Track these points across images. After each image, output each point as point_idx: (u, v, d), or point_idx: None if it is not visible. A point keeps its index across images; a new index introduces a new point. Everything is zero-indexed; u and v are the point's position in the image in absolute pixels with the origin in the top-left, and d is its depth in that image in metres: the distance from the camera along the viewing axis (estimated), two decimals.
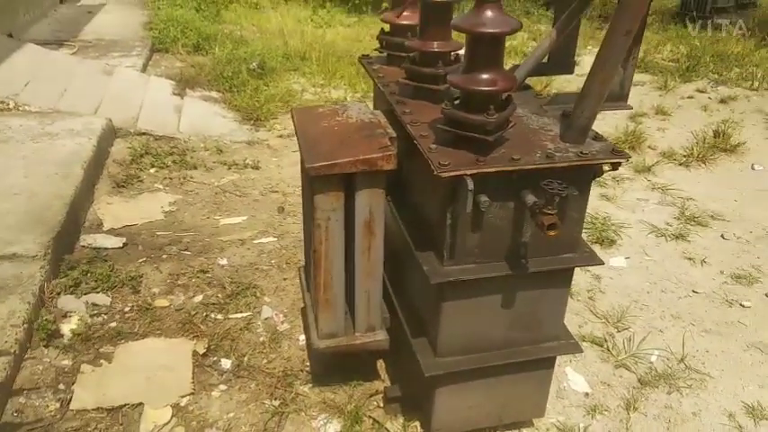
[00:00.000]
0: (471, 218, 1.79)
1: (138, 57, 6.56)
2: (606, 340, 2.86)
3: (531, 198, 1.73)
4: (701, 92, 6.49)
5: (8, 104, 4.55)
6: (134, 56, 6.60)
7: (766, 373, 2.71)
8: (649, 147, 5.02)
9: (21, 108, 4.58)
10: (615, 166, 1.80)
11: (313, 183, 2.02)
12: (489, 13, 1.62)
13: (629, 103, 2.23)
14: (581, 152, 1.76)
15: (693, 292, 3.23)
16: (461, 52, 2.12)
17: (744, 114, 5.84)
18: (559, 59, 2.38)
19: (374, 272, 2.22)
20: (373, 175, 2.02)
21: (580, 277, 3.33)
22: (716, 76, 6.94)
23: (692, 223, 3.89)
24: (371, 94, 6.30)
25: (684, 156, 4.82)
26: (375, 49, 2.62)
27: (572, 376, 2.65)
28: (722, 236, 3.76)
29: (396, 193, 2.36)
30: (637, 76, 6.93)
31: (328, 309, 2.26)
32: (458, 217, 1.79)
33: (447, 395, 2.14)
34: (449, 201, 1.78)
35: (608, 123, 5.42)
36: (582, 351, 2.15)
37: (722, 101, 6.21)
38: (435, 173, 1.66)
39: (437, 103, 2.12)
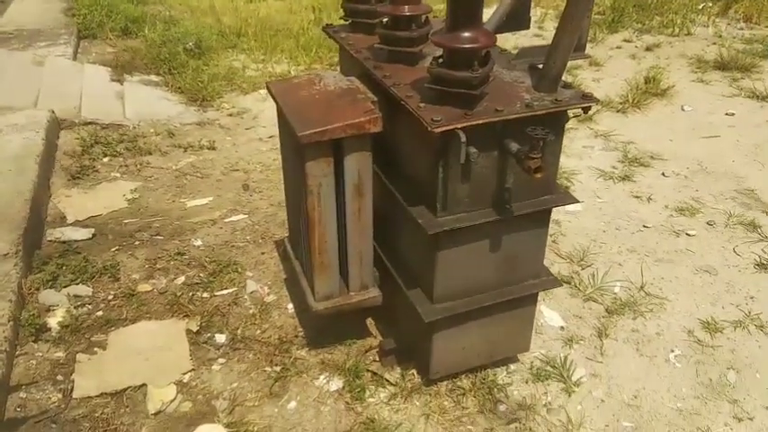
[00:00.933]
0: (461, 170, 1.92)
1: (67, 45, 6.28)
2: (573, 278, 3.09)
3: (514, 146, 1.88)
4: (628, 41, 6.84)
5: None
6: (62, 44, 6.30)
7: (716, 292, 3.02)
8: None
9: None
10: (585, 110, 1.97)
11: (304, 150, 2.09)
12: None
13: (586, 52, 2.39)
14: (556, 99, 1.91)
15: (644, 226, 3.52)
16: (430, 15, 2.24)
17: (669, 60, 6.22)
18: (516, 16, 2.52)
19: (365, 232, 2.33)
20: (361, 139, 2.12)
21: None
22: (639, 25, 7.32)
23: (635, 165, 4.18)
24: (316, 67, 6.29)
25: (621, 103, 5.12)
26: (340, 17, 2.68)
27: (547, 313, 2.86)
28: (663, 174, 4.07)
29: (379, 157, 2.46)
30: None
31: (324, 271, 2.35)
32: (449, 170, 1.91)
33: (443, 339, 2.29)
34: (441, 155, 1.90)
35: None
36: (562, 285, 2.35)
37: (648, 48, 6.58)
38: (429, 129, 1.77)
39: (413, 64, 2.23)
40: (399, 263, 2.40)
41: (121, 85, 5.54)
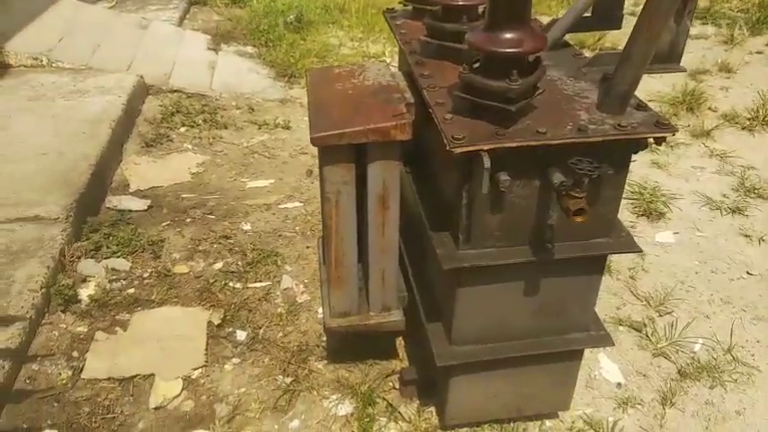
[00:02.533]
0: (490, 198, 1.60)
1: (176, 10, 6.44)
2: (646, 325, 2.64)
3: (558, 177, 1.52)
4: None
5: (41, 61, 4.52)
6: (171, 9, 6.48)
7: None
8: (710, 108, 4.60)
9: (54, 65, 4.54)
10: (658, 141, 1.56)
11: (322, 153, 1.86)
12: None
13: (682, 64, 1.95)
14: (619, 124, 1.52)
15: (748, 273, 2.95)
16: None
17: None
18: (604, 12, 2.10)
19: (389, 249, 2.06)
20: (387, 146, 1.84)
21: (622, 254, 3.08)
22: None
23: (752, 195, 3.55)
24: None
25: (748, 119, 4.40)
26: (400, 2, 2.39)
27: (605, 364, 2.46)
28: None
29: (415, 164, 2.18)
30: (700, 29, 6.39)
31: (340, 286, 2.12)
32: (474, 197, 1.60)
33: (462, 385, 1.99)
34: (465, 178, 1.59)
35: (664, 82, 4.99)
36: (613, 344, 1.95)
37: None
38: (448, 148, 1.47)
39: (460, 63, 1.89)
40: (425, 288, 2.12)
41: (216, 54, 5.58)
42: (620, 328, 2.63)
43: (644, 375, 2.42)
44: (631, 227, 3.29)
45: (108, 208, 3.38)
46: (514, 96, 1.47)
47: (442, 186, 1.86)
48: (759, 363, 2.47)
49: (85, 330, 2.57)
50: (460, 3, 1.86)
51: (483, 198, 1.59)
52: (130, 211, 3.36)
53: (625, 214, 3.40)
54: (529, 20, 1.49)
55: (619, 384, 2.38)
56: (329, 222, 1.99)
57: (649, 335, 2.59)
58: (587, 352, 2.45)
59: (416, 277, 2.18)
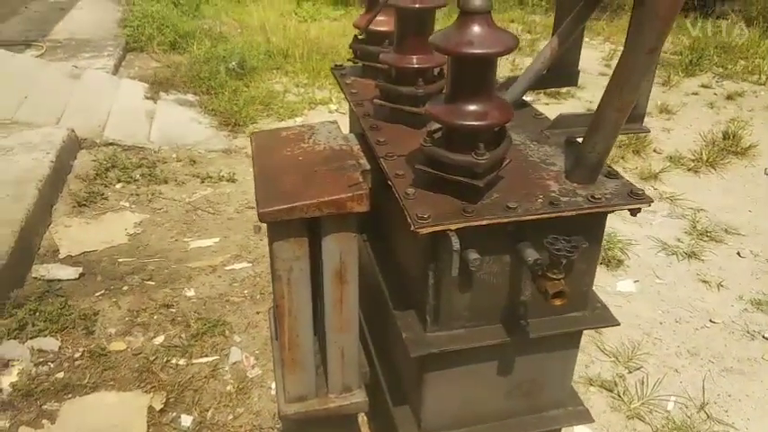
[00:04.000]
0: (459, 277, 1.46)
1: (110, 57, 6.20)
2: (617, 384, 2.54)
3: (531, 254, 1.40)
4: (707, 87, 6.15)
5: None
6: (105, 56, 6.23)
7: None
8: (654, 150, 4.69)
9: None
10: (633, 213, 1.48)
11: (271, 229, 1.69)
12: (477, 29, 1.28)
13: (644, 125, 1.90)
14: (592, 196, 1.43)
15: (711, 321, 2.92)
16: (445, 67, 1.79)
17: (753, 112, 5.51)
18: (561, 69, 2.04)
19: (348, 326, 1.89)
20: (343, 218, 1.69)
21: None
22: (721, 69, 6.59)
23: (705, 239, 3.57)
24: None
25: (693, 160, 4.50)
26: (349, 59, 2.28)
27: (579, 430, 2.33)
28: (738, 253, 3.44)
29: (372, 229, 2.03)
30: None
31: (295, 369, 1.93)
32: (442, 277, 1.46)
33: None
34: (431, 258, 1.45)
35: None
36: (593, 420, 1.82)
37: (729, 97, 5.87)
38: (412, 228, 1.33)
39: (417, 127, 1.78)
40: (389, 367, 1.95)
41: (155, 103, 5.35)
42: (591, 388, 2.53)
43: None
44: None
45: (35, 278, 3.08)
46: (481, 171, 1.35)
47: (406, 262, 1.72)
48: (734, 419, 2.40)
49: (7, 425, 2.26)
50: (415, 65, 1.75)
51: (451, 278, 1.45)
52: (60, 280, 3.07)
53: None
54: (493, 89, 1.38)
55: None
56: (281, 302, 1.81)
57: (621, 394, 2.49)
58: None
59: (378, 352, 2.01)
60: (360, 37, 2.20)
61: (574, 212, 1.40)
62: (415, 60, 1.75)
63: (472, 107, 1.34)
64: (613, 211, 1.46)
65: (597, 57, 7.03)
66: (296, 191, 1.67)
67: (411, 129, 1.77)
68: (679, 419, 2.39)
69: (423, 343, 1.53)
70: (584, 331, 2.43)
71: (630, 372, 2.61)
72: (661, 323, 2.91)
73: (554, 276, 1.32)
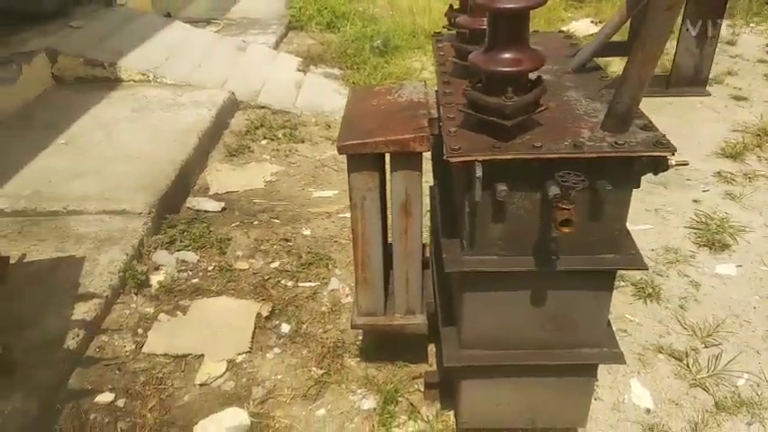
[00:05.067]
0: (491, 207, 1.69)
1: (273, 34, 6.95)
2: (688, 355, 2.56)
3: (554, 190, 1.59)
4: None
5: (148, 76, 5.07)
6: (270, 33, 7.00)
7: None
8: None
9: (158, 80, 5.08)
10: (661, 162, 1.59)
11: (349, 162, 2.03)
12: None
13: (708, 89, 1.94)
14: (616, 142, 1.58)
15: None
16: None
17: None
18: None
19: (412, 254, 2.19)
20: (408, 156, 1.99)
21: (674, 282, 3.00)
22: None
23: None
24: None
25: None
26: (444, 26, 2.54)
27: (636, 389, 2.42)
28: None
29: (443, 177, 2.30)
30: None
31: (366, 287, 2.27)
32: (475, 205, 1.70)
33: (473, 389, 2.07)
34: (466, 188, 1.69)
35: (754, 112, 4.74)
36: (625, 362, 1.95)
37: None
38: (444, 157, 1.59)
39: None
40: (444, 296, 2.22)
41: (304, 75, 5.96)
42: (660, 355, 2.58)
43: (677, 404, 2.36)
44: (690, 256, 3.19)
45: (188, 207, 3.74)
46: (509, 112, 1.57)
47: (456, 198, 1.97)
48: None
49: (152, 311, 2.88)
50: (484, 26, 1.97)
51: (483, 207, 1.68)
52: (206, 211, 3.70)
53: (686, 243, 3.30)
54: (527, 41, 1.58)
55: (648, 410, 2.34)
56: (356, 227, 2.16)
57: (690, 365, 2.51)
58: (620, 375, 2.46)
59: (440, 285, 2.28)
60: (455, 7, 2.45)
61: (594, 155, 1.56)
62: (485, 22, 1.97)
63: (505, 55, 1.56)
64: (636, 157, 1.58)
65: (760, 43, 6.45)
66: (370, 131, 1.99)
67: None
68: (746, 395, 2.37)
69: (457, 262, 1.79)
70: (666, 305, 2.55)
71: (706, 347, 2.61)
72: (754, 308, 2.82)
73: (563, 206, 1.51)
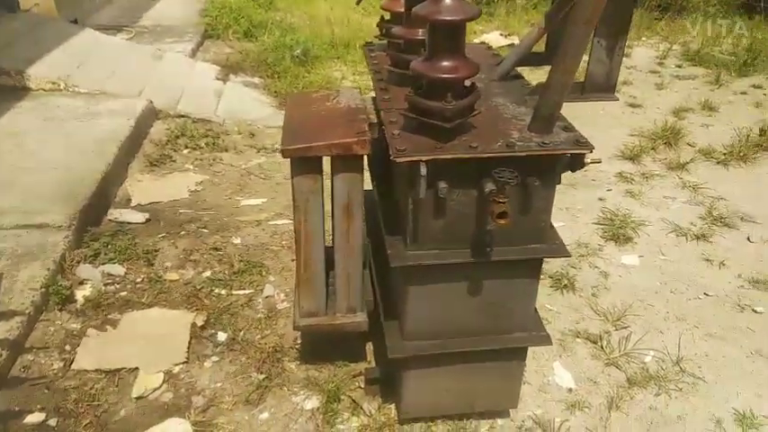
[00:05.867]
0: (432, 204, 1.81)
1: (189, 42, 6.83)
2: (601, 338, 2.81)
3: (490, 186, 1.73)
4: (757, 87, 6.14)
5: (59, 85, 4.85)
6: (186, 41, 6.87)
7: (765, 381, 2.59)
8: (688, 143, 4.82)
9: (70, 89, 4.87)
10: (579, 159, 1.78)
11: (292, 165, 2.09)
12: (447, 1, 1.63)
13: (616, 94, 2.18)
14: (542, 142, 1.74)
15: (704, 294, 3.12)
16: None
17: None
18: (556, 49, 2.34)
19: (354, 254, 2.27)
20: (349, 160, 2.07)
21: (586, 273, 3.27)
22: None
23: (718, 224, 3.72)
24: None
25: (724, 154, 4.60)
26: (376, 36, 2.65)
27: (558, 371, 2.62)
28: (748, 238, 3.59)
29: (382, 180, 2.40)
30: (689, 70, 6.66)
31: (308, 288, 2.33)
32: (418, 202, 1.81)
33: (415, 378, 2.17)
34: (409, 186, 1.80)
35: (647, 118, 5.23)
36: (551, 343, 2.13)
37: None
38: (392, 158, 1.70)
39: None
40: (385, 291, 2.32)
41: (224, 83, 5.91)
42: (577, 339, 2.80)
43: (594, 382, 2.58)
44: (599, 249, 3.48)
45: (110, 220, 3.63)
46: (450, 115, 1.70)
47: (398, 196, 2.08)
48: (705, 374, 2.62)
49: (78, 327, 2.78)
50: (420, 37, 2.10)
51: (426, 203, 1.80)
52: (130, 223, 3.60)
53: (594, 238, 3.59)
54: (463, 50, 1.73)
55: (570, 389, 2.54)
56: (299, 228, 2.21)
57: (604, 346, 2.75)
58: (543, 359, 2.65)
59: (380, 282, 2.38)
60: (386, 18, 2.57)
61: (525, 153, 1.72)
62: (420, 33, 2.10)
63: (444, 63, 1.69)
64: (559, 155, 1.76)
65: (651, 55, 7.10)
66: (314, 135, 2.06)
67: None
68: (653, 370, 2.63)
69: (402, 257, 1.90)
70: (580, 294, 2.76)
71: (617, 329, 2.86)
72: (656, 292, 3.13)
73: (499, 200, 1.65)
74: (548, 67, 1.75)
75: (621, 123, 5.11)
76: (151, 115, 4.90)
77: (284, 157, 2.04)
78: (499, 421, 2.38)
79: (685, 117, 5.35)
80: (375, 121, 2.12)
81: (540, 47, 2.31)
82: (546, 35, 2.23)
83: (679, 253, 3.47)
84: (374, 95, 2.50)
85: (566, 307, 3.01)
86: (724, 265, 3.35)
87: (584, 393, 2.52)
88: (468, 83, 1.79)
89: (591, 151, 1.77)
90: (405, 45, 2.18)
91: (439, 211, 1.84)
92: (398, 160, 1.69)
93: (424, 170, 1.67)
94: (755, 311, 2.99)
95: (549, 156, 1.76)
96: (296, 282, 2.43)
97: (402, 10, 2.41)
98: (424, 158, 1.68)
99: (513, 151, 1.72)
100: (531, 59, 2.30)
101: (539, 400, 2.49)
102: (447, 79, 1.69)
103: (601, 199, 4.04)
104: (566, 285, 3.14)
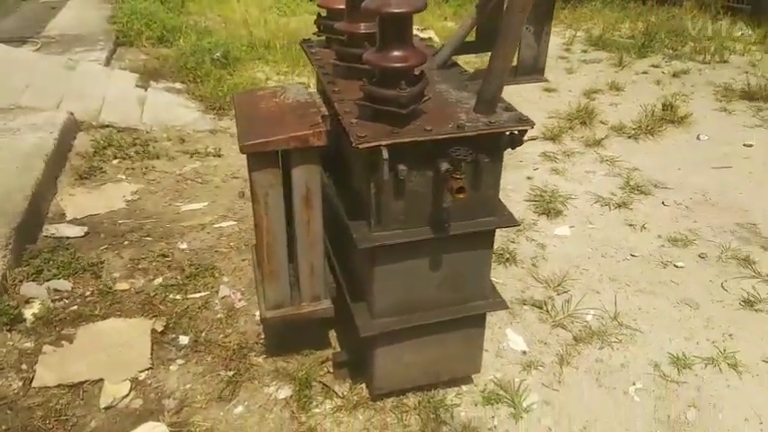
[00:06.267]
0: (393, 186, 1.93)
1: (102, 51, 6.60)
2: (546, 303, 3.03)
3: (444, 165, 1.88)
4: (656, 67, 6.68)
5: None
6: (98, 50, 6.63)
7: (693, 327, 2.90)
8: (601, 122, 5.20)
9: None
10: (522, 134, 1.95)
11: (251, 161, 2.15)
12: None
13: (545, 76, 2.38)
14: (489, 122, 1.90)
15: (631, 255, 3.42)
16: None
17: (695, 87, 6.05)
18: (486, 37, 2.52)
19: (315, 244, 2.35)
20: (307, 152, 2.15)
21: (525, 246, 3.50)
22: (670, 51, 7.13)
23: (636, 192, 4.07)
24: None
25: (633, 129, 5.00)
26: (314, 33, 2.74)
27: (511, 336, 2.82)
28: (663, 203, 3.95)
29: (335, 169, 2.50)
30: (594, 54, 7.13)
31: (273, 280, 2.39)
32: (380, 185, 1.93)
33: (386, 355, 2.29)
34: (371, 171, 1.91)
35: (562, 101, 5.59)
36: (507, 308, 2.31)
37: (675, 75, 6.41)
38: (353, 144, 1.80)
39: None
40: (348, 274, 2.42)
41: (145, 91, 5.77)
42: (525, 307, 3.01)
43: (545, 343, 2.79)
44: (533, 224, 3.72)
45: (46, 236, 3.50)
46: (405, 102, 1.82)
47: (357, 183, 2.19)
48: (640, 326, 2.89)
49: (32, 345, 2.70)
50: (363, 31, 2.21)
51: (387, 186, 1.92)
52: (68, 237, 3.50)
53: (528, 214, 3.84)
54: (411, 40, 1.85)
55: (524, 352, 2.74)
56: (260, 222, 2.27)
57: (549, 310, 2.98)
58: (496, 327, 2.83)
59: (342, 268, 2.48)
60: (323, 15, 2.66)
61: (474, 133, 1.87)
62: (362, 27, 2.21)
63: (395, 53, 1.81)
64: (505, 132, 1.92)
65: (558, 42, 7.54)
66: (270, 130, 2.13)
67: (359, 82, 2.23)
68: (595, 327, 2.88)
69: (368, 239, 2.00)
70: (522, 266, 2.95)
71: (558, 294, 3.10)
72: (589, 258, 3.40)
73: (457, 177, 1.79)
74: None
75: (539, 107, 5.43)
76: (73, 127, 4.73)
77: (242, 153, 2.09)
78: (464, 387, 2.54)
79: (596, 98, 5.76)
80: (326, 113, 2.21)
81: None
82: (477, 27, 2.41)
83: (604, 221, 3.77)
84: (319, 90, 2.59)
85: (510, 278, 3.22)
86: (645, 228, 3.68)
87: (537, 354, 2.73)
88: (417, 71, 1.92)
89: (532, 127, 1.95)
90: (348, 39, 2.28)
91: (399, 192, 1.96)
92: (361, 146, 1.79)
93: (386, 154, 1.78)
94: (677, 266, 3.32)
95: (497, 134, 1.92)
96: (259, 276, 2.48)
97: (341, 7, 2.52)
98: (385, 143, 1.80)
99: (465, 132, 1.86)
100: (464, 48, 2.47)
101: (497, 365, 2.67)
102: (400, 68, 1.81)
103: (529, 178, 4.30)
104: (507, 259, 3.35)
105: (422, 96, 1.91)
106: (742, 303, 3.04)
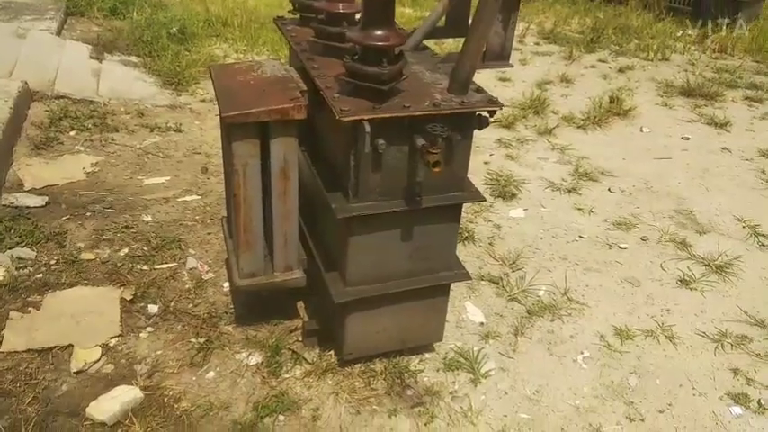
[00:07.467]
0: (371, 159, 2.05)
1: (52, 20, 6.37)
2: (502, 279, 3.22)
3: (420, 141, 2.00)
4: (603, 62, 7.01)
5: None
6: (47, 19, 6.39)
7: (634, 303, 3.15)
8: (552, 111, 5.44)
9: None
10: (491, 115, 2.10)
11: (230, 131, 2.21)
12: None
13: (510, 62, 2.53)
14: (463, 101, 2.04)
15: (580, 236, 3.66)
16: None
17: (639, 82, 6.39)
18: (455, 23, 2.65)
19: (290, 215, 2.44)
20: (286, 124, 2.23)
21: (482, 227, 3.68)
22: (617, 47, 7.49)
23: (584, 179, 4.33)
24: None
25: (582, 119, 5.27)
26: (289, 11, 2.80)
27: (470, 309, 2.99)
28: (609, 189, 4.22)
29: (309, 144, 2.59)
30: (546, 47, 7.40)
31: (248, 249, 2.47)
32: (360, 158, 2.04)
33: (356, 321, 2.41)
34: (351, 144, 2.02)
35: (517, 90, 5.82)
36: (471, 279, 2.48)
37: (621, 70, 6.75)
38: (337, 117, 1.90)
39: (342, 59, 2.35)
40: (321, 246, 2.53)
41: (100, 63, 5.65)
42: (482, 282, 3.19)
43: (501, 316, 2.98)
44: (490, 206, 3.91)
45: (4, 205, 3.44)
46: (385, 79, 1.94)
47: (334, 155, 2.29)
48: (588, 301, 3.12)
49: None
50: (341, 10, 2.31)
51: (366, 159, 2.03)
52: (28, 207, 3.45)
53: (485, 196, 4.02)
54: (393, 21, 1.96)
55: (482, 323, 2.92)
56: (238, 192, 2.34)
57: (504, 286, 3.17)
58: (456, 300, 3.00)
59: (315, 240, 2.58)
60: None
61: (449, 111, 2.00)
62: (341, 7, 2.31)
63: (378, 32, 1.91)
64: (476, 112, 2.07)
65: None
66: (250, 102, 2.20)
67: (338, 60, 2.32)
68: (547, 301, 3.09)
69: (346, 210, 2.11)
70: (479, 244, 3.10)
71: (513, 271, 3.30)
72: (541, 238, 3.62)
73: (433, 151, 1.92)
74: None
75: (495, 95, 5.62)
76: (28, 96, 4.61)
77: (224, 123, 2.17)
78: (427, 355, 2.69)
79: (547, 89, 6.01)
80: (305, 88, 2.29)
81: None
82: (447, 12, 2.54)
83: (555, 204, 4.00)
84: (298, 66, 2.67)
85: (469, 256, 3.40)
86: (592, 212, 3.93)
87: (494, 325, 2.92)
88: (396, 50, 2.03)
89: (501, 108, 2.10)
90: (327, 18, 2.37)
91: (377, 166, 2.08)
92: (344, 119, 1.90)
93: (368, 128, 1.89)
94: (621, 248, 3.57)
95: (469, 113, 2.06)
96: (232, 246, 2.55)
97: None
98: (367, 117, 1.91)
99: (440, 110, 1.99)
100: (436, 33, 2.59)
101: (457, 335, 2.84)
102: (382, 47, 1.92)
103: (486, 162, 4.49)
104: (466, 238, 3.53)
105: (400, 75, 2.03)
106: (678, 282, 3.32)
